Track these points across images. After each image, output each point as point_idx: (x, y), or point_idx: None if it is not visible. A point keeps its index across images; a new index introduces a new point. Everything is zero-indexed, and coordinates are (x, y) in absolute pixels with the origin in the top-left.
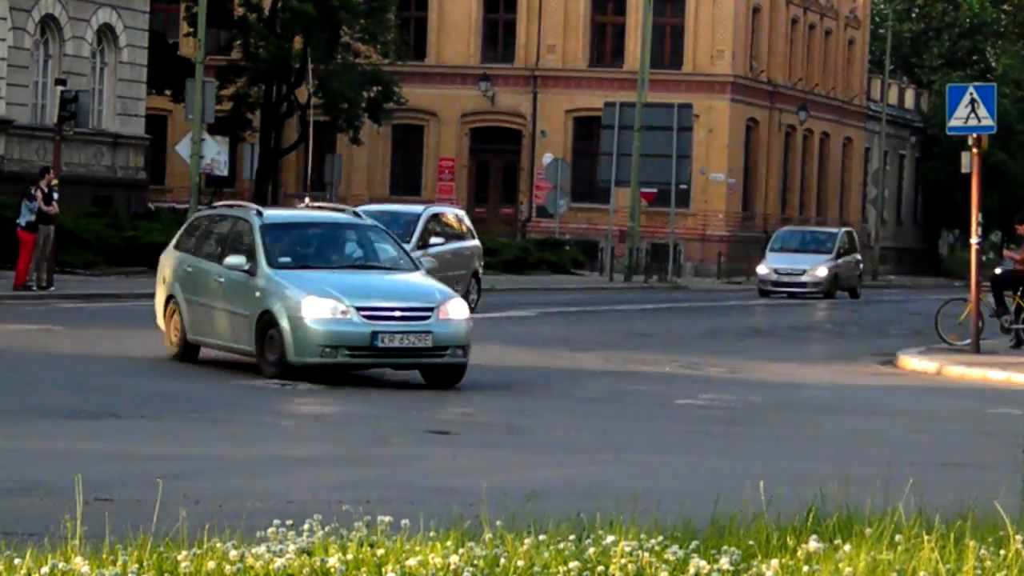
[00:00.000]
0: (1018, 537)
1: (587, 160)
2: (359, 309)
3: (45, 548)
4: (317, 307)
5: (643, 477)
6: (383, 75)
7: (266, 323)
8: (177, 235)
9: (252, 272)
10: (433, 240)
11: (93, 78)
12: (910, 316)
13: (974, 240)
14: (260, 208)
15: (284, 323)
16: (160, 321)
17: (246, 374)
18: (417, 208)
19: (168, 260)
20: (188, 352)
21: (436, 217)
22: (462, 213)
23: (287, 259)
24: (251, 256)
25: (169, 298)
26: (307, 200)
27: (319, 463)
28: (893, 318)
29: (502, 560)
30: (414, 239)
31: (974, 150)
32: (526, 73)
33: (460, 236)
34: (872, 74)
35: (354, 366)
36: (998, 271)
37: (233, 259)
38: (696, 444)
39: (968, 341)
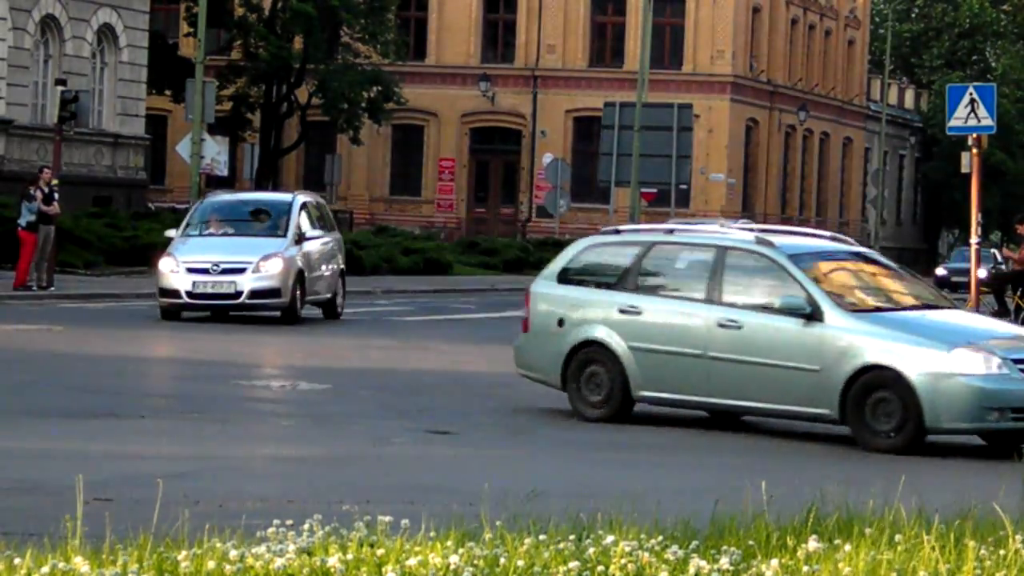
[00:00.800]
0: (1018, 537)
1: (587, 160)
2: (1016, 362)
3: (45, 548)
4: (971, 362)
5: (643, 477)
6: (383, 75)
7: (867, 384)
8: (560, 265)
9: (815, 318)
10: (311, 233)
11: (93, 78)
12: None
13: (974, 240)
14: (760, 235)
15: (918, 381)
16: (544, 373)
17: (246, 374)
18: (285, 196)
19: (559, 297)
20: (624, 410)
21: (307, 205)
22: (323, 201)
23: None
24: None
25: (583, 344)
26: (720, 222)
27: (319, 463)
28: None
29: (502, 560)
30: (290, 231)
31: (974, 150)
32: (526, 73)
33: (327, 227)
34: (872, 74)
35: (1010, 432)
36: (940, 272)
37: (791, 300)
38: (696, 444)
39: None
